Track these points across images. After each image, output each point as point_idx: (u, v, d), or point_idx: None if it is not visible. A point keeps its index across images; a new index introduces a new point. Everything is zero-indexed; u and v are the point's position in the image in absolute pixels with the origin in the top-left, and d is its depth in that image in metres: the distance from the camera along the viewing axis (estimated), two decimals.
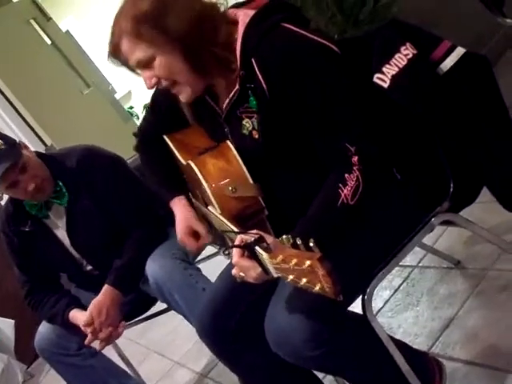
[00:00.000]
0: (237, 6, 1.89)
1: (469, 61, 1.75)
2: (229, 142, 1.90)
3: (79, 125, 6.24)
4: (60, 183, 2.83)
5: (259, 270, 1.52)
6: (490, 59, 1.79)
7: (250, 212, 1.85)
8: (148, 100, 2.23)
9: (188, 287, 2.64)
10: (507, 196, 1.85)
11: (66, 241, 2.93)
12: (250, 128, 1.82)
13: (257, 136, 1.80)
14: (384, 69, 1.73)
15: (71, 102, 6.41)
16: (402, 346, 1.93)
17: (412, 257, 2.84)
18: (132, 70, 1.88)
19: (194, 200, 2.14)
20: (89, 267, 3.00)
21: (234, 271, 1.64)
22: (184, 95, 1.85)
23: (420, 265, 2.84)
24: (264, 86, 1.72)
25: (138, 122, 8.40)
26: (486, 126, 1.78)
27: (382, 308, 2.74)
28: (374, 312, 1.87)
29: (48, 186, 2.81)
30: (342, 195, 1.62)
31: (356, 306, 1.81)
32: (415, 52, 1.73)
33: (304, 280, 1.26)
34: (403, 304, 2.69)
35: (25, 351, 4.99)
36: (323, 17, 3.44)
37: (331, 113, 1.68)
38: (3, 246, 3.03)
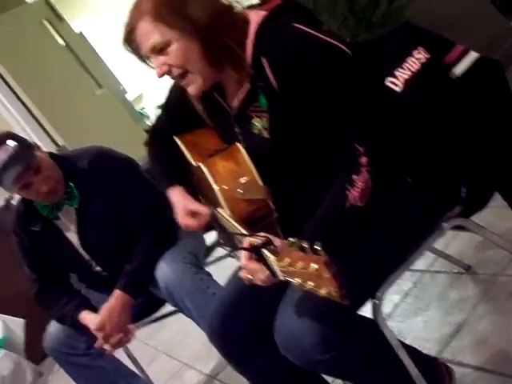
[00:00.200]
0: (250, 8, 1.90)
1: (481, 65, 1.74)
2: (239, 144, 1.90)
3: (91, 125, 6.25)
4: (71, 185, 2.84)
5: (267, 272, 1.52)
6: (503, 63, 1.79)
7: (260, 215, 1.85)
8: (160, 102, 2.23)
9: (198, 292, 2.64)
10: None
11: (76, 242, 2.94)
12: (260, 127, 1.81)
13: (266, 135, 1.80)
14: (396, 72, 1.73)
15: (83, 103, 6.43)
16: (411, 350, 1.92)
17: (422, 261, 2.83)
18: (142, 59, 1.87)
19: (203, 202, 2.14)
20: (98, 268, 3.00)
21: (241, 273, 1.64)
22: (194, 86, 1.83)
23: (430, 269, 2.83)
24: (274, 85, 1.72)
25: (150, 123, 8.43)
26: (499, 131, 1.77)
27: (391, 312, 2.74)
28: (384, 316, 1.86)
29: (60, 187, 2.82)
30: (350, 196, 1.62)
31: (366, 310, 1.81)
32: (428, 56, 1.72)
33: (310, 283, 1.26)
34: (413, 309, 2.68)
35: (34, 350, 4.99)
36: (335, 20, 3.44)
37: (340, 113, 1.68)
38: (14, 245, 3.04)
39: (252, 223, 1.80)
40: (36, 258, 2.98)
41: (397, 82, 1.73)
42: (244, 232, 1.67)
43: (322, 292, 1.23)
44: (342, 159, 1.69)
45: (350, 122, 1.68)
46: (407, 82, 1.72)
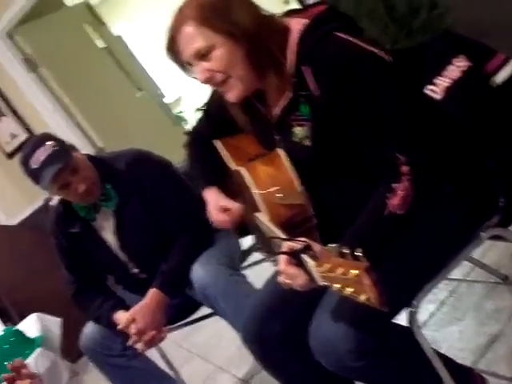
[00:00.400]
0: (287, 15, 1.90)
1: None
2: (279, 150, 1.91)
3: (130, 128, 6.29)
4: (108, 186, 2.87)
5: (305, 277, 1.52)
6: None
7: (299, 220, 1.85)
8: (198, 105, 2.24)
9: (233, 293, 2.65)
10: None
11: (114, 243, 2.97)
12: (301, 136, 1.82)
13: (308, 143, 1.80)
14: (436, 80, 1.73)
15: (122, 105, 6.46)
16: (446, 360, 1.91)
17: (459, 270, 2.80)
18: (183, 66, 1.88)
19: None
20: (135, 270, 3.02)
21: (280, 278, 1.64)
22: (233, 93, 1.84)
23: (467, 279, 2.81)
24: (316, 93, 1.72)
25: (188, 127, 8.45)
26: None
27: (427, 321, 2.72)
28: (419, 325, 1.85)
29: (97, 188, 2.85)
30: (389, 204, 1.62)
31: (401, 318, 1.80)
32: (469, 64, 1.72)
33: (350, 289, 1.26)
34: (449, 318, 2.67)
35: (70, 349, 5.03)
36: (376, 27, 3.43)
37: (381, 122, 1.68)
38: (51, 246, 3.08)
39: (291, 228, 1.81)
40: (74, 260, 3.02)
41: (436, 89, 1.73)
42: (283, 237, 1.67)
43: (362, 298, 1.23)
44: (382, 168, 1.69)
45: (390, 131, 1.68)
46: (447, 90, 1.72)
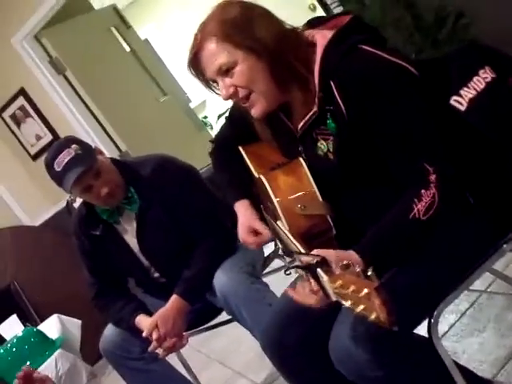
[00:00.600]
0: (311, 25, 1.91)
1: None
2: (301, 159, 1.91)
3: (154, 132, 6.31)
4: (132, 190, 2.88)
5: (320, 293, 1.52)
6: None
7: (317, 231, 1.85)
8: (222, 110, 2.26)
9: (254, 302, 2.65)
10: None
11: (135, 247, 2.98)
12: (325, 150, 1.82)
13: (332, 158, 1.81)
14: (462, 92, 1.73)
15: (147, 109, 6.48)
16: (466, 371, 1.91)
17: (480, 281, 2.79)
18: (206, 82, 1.90)
19: (265, 214, 2.16)
20: (156, 274, 3.03)
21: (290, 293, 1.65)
22: (257, 108, 1.86)
23: (488, 290, 2.80)
24: (343, 108, 1.73)
25: (212, 132, 8.47)
26: None
27: (447, 332, 2.71)
28: (439, 335, 1.84)
29: (120, 192, 2.86)
30: (415, 209, 1.63)
31: (421, 328, 1.79)
32: (494, 76, 1.72)
33: (361, 307, 1.26)
34: (469, 329, 2.65)
35: (89, 351, 5.07)
36: (401, 36, 3.42)
37: (409, 134, 1.69)
38: (73, 247, 3.09)
39: (309, 239, 1.81)
40: (95, 262, 3.03)
41: (461, 100, 1.73)
42: (300, 249, 1.67)
43: (372, 317, 1.24)
44: (410, 177, 1.69)
45: (419, 143, 1.68)
46: (472, 101, 1.72)
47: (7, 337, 5.11)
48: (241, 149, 2.20)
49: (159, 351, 2.81)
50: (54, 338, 4.98)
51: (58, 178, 2.73)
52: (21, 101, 6.12)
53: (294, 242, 1.73)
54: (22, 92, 6.08)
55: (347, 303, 1.31)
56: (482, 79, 1.72)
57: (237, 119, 2.16)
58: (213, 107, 9.85)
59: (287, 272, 1.66)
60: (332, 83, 1.74)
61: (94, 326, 3.85)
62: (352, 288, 1.28)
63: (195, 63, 1.86)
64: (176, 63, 8.41)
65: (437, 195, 1.63)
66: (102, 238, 2.98)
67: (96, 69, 6.14)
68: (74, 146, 2.75)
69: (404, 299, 1.48)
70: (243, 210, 2.15)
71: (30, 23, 5.69)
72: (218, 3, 1.83)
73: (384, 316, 1.22)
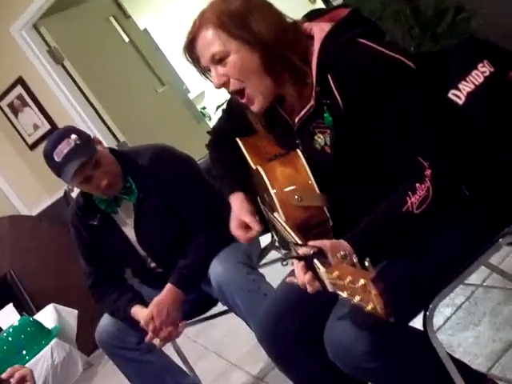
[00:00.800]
0: (309, 17, 1.91)
1: None
2: (299, 151, 1.92)
3: (152, 122, 6.30)
4: (130, 180, 2.88)
5: (317, 284, 1.52)
6: None
7: (314, 222, 1.86)
8: (220, 101, 2.26)
9: (250, 292, 2.66)
10: None
11: (133, 237, 2.98)
12: (322, 143, 1.83)
13: (329, 151, 1.82)
14: (460, 85, 1.73)
15: (145, 100, 6.47)
16: (460, 365, 1.91)
17: (476, 275, 2.80)
18: (201, 69, 1.91)
19: (262, 206, 2.16)
20: (152, 264, 3.04)
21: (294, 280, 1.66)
22: (256, 105, 1.86)
23: (484, 284, 2.80)
24: (340, 102, 1.73)
25: (210, 123, 8.45)
26: None
27: (442, 325, 2.72)
28: (435, 329, 1.85)
29: (118, 182, 2.86)
30: (409, 202, 1.63)
31: (417, 322, 1.80)
32: (492, 70, 1.72)
33: (357, 298, 1.27)
34: (464, 323, 2.66)
35: (85, 341, 5.08)
36: (400, 29, 3.42)
37: (406, 129, 1.69)
38: (70, 237, 3.10)
39: (306, 230, 1.81)
40: (92, 252, 3.04)
41: (460, 94, 1.73)
42: (297, 240, 1.68)
43: (368, 308, 1.24)
44: (405, 171, 1.69)
45: (415, 138, 1.69)
46: (470, 95, 1.72)
47: (3, 326, 5.12)
48: (238, 140, 2.20)
49: (156, 342, 2.82)
50: (50, 328, 4.98)
51: (58, 168, 2.73)
52: (19, 90, 6.11)
53: (291, 233, 1.73)
54: (20, 81, 6.07)
55: (344, 294, 1.32)
56: (480, 73, 1.72)
57: (234, 111, 2.16)
58: (211, 98, 9.83)
59: (284, 263, 1.67)
60: (329, 77, 1.74)
61: (90, 315, 3.87)
62: (349, 278, 1.29)
63: (191, 49, 1.87)
64: (175, 54, 8.39)
65: (431, 189, 1.63)
66: (100, 228, 2.98)
67: (94, 59, 6.13)
68: (73, 136, 2.75)
69: (400, 291, 1.48)
70: (237, 203, 2.16)
71: (29, 12, 5.68)
72: None
73: (380, 307, 1.22)
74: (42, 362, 4.68)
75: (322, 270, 1.44)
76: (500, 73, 1.73)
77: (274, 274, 2.56)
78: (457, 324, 2.68)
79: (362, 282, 1.24)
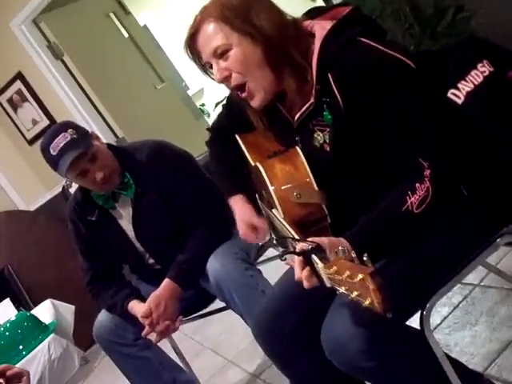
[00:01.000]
0: (310, 15, 1.91)
1: None
2: (298, 148, 1.92)
3: (151, 119, 6.29)
4: (128, 175, 2.88)
5: (315, 279, 1.52)
6: None
7: (313, 219, 1.86)
8: (219, 98, 2.26)
9: (247, 288, 2.66)
10: None
11: (131, 233, 2.98)
12: (322, 141, 1.83)
13: (328, 149, 1.81)
14: (459, 85, 1.72)
15: (144, 96, 6.47)
16: (457, 364, 1.91)
17: (474, 275, 2.80)
18: (201, 65, 1.91)
19: (260, 202, 2.16)
20: (151, 260, 3.04)
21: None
22: (257, 99, 1.86)
23: (481, 284, 2.81)
24: (339, 100, 1.73)
25: (209, 120, 8.45)
26: None
27: (439, 324, 2.72)
28: (432, 328, 1.85)
29: (116, 177, 2.86)
30: (409, 202, 1.63)
31: (413, 321, 1.80)
32: (492, 70, 1.71)
33: (355, 293, 1.27)
34: (461, 322, 2.66)
35: (82, 337, 5.08)
36: (400, 28, 3.42)
37: (405, 128, 1.69)
38: (68, 232, 3.09)
39: (304, 227, 1.81)
40: (90, 247, 3.03)
41: (459, 93, 1.73)
42: (295, 236, 1.68)
43: (366, 303, 1.24)
44: (405, 171, 1.69)
45: (415, 137, 1.69)
46: (469, 95, 1.72)
47: (0, 321, 5.12)
48: (237, 137, 2.20)
49: (152, 336, 2.82)
50: (47, 323, 4.99)
51: (54, 161, 2.73)
52: (18, 85, 6.10)
53: (289, 229, 1.73)
54: (19, 76, 6.07)
55: (342, 289, 1.32)
56: (479, 73, 1.71)
57: (234, 108, 2.16)
58: (210, 95, 9.83)
59: (283, 258, 1.67)
60: (329, 75, 1.74)
61: (88, 311, 3.86)
62: (347, 273, 1.28)
63: (191, 44, 1.87)
64: (174, 50, 8.40)
65: (431, 189, 1.63)
66: (98, 224, 2.98)
67: (94, 54, 6.13)
68: (70, 130, 2.75)
69: (398, 289, 1.48)
70: (241, 205, 2.17)
71: (29, 7, 5.67)
72: None
73: (378, 302, 1.22)
74: (38, 357, 4.69)
75: (320, 265, 1.44)
76: (499, 72, 1.72)
77: (272, 270, 2.56)
78: (454, 323, 2.68)
79: (360, 276, 1.24)
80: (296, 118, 1.88)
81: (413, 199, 1.63)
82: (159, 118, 6.38)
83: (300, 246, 1.58)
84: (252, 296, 2.61)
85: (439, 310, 2.78)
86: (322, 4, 4.56)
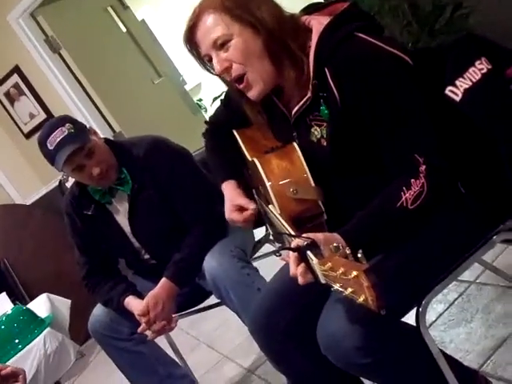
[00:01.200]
0: (308, 11, 1.91)
1: None
2: (295, 144, 1.91)
3: (148, 114, 6.29)
4: (125, 171, 2.88)
5: (309, 275, 1.52)
6: None
7: (309, 215, 1.86)
8: (217, 93, 2.25)
9: (244, 286, 2.66)
10: None
11: (127, 228, 2.98)
12: (319, 136, 1.83)
13: (325, 144, 1.81)
14: (457, 82, 1.72)
15: (142, 91, 6.46)
16: (452, 361, 1.91)
17: (470, 272, 2.81)
18: (200, 58, 1.90)
19: (257, 198, 2.16)
20: (146, 256, 3.04)
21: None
22: (255, 90, 1.85)
23: (477, 281, 2.81)
24: (336, 95, 1.73)
25: (206, 115, 8.44)
26: None
27: (435, 321, 2.72)
28: (427, 325, 1.85)
29: (113, 172, 2.86)
30: (403, 198, 1.64)
31: (409, 317, 1.80)
32: (490, 67, 1.71)
33: (349, 290, 1.27)
34: (457, 319, 2.67)
35: (78, 331, 5.08)
36: (398, 24, 3.42)
37: (402, 124, 1.69)
38: (64, 227, 3.09)
39: (300, 223, 1.81)
40: (86, 242, 3.03)
41: (457, 91, 1.73)
42: (291, 232, 1.68)
43: (360, 300, 1.24)
44: (401, 167, 1.69)
45: (411, 133, 1.69)
46: (467, 92, 1.72)
47: None
48: (235, 132, 2.20)
49: (148, 333, 2.82)
50: (42, 317, 4.98)
51: (50, 156, 2.73)
52: (15, 78, 6.09)
53: (285, 225, 1.73)
54: (16, 69, 6.05)
55: (336, 285, 1.32)
56: (478, 70, 1.71)
57: (232, 102, 2.16)
58: (208, 90, 9.81)
59: (278, 254, 1.67)
60: (326, 70, 1.74)
61: (83, 305, 3.85)
62: (341, 270, 1.28)
63: (190, 37, 1.86)
64: (172, 45, 8.38)
65: (426, 185, 1.63)
66: (94, 218, 2.98)
67: (92, 48, 6.11)
68: (67, 124, 2.75)
69: (393, 286, 1.48)
70: (230, 190, 2.15)
71: (26, 1, 5.66)
72: None
73: (372, 299, 1.22)
74: (34, 351, 4.68)
75: (314, 261, 1.44)
76: (497, 70, 1.72)
77: (268, 267, 2.56)
78: (449, 320, 2.69)
79: (354, 273, 1.24)
80: (293, 112, 1.88)
81: (407, 195, 1.63)
82: (156, 113, 6.37)
83: (295, 242, 1.57)
84: (248, 294, 2.61)
85: (435, 307, 2.79)
86: (320, 0, 4.55)
